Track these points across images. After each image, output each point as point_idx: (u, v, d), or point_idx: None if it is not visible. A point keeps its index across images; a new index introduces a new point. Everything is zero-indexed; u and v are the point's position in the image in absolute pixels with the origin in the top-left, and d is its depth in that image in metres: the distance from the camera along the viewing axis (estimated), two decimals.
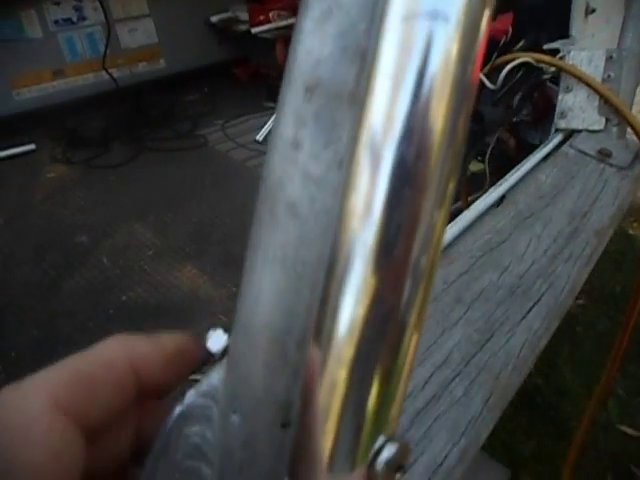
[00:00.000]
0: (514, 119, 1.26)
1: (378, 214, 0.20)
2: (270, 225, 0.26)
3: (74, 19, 2.20)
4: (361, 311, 0.21)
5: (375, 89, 0.20)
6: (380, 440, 0.21)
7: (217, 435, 0.28)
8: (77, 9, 2.20)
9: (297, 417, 0.22)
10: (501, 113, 0.88)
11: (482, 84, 0.89)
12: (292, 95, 0.24)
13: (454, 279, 0.53)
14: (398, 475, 0.21)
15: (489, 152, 0.83)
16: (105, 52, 2.20)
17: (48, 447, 0.18)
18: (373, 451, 0.21)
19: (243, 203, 1.66)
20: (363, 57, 0.22)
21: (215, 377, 0.29)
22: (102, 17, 2.20)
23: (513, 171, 0.72)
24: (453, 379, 0.43)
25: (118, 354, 0.23)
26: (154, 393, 0.25)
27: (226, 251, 1.52)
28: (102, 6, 2.18)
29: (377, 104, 0.20)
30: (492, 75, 0.89)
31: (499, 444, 1.87)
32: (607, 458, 1.90)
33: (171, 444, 0.30)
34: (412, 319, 0.22)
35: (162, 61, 2.38)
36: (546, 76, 0.93)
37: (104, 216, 1.72)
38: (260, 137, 1.95)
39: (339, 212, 0.21)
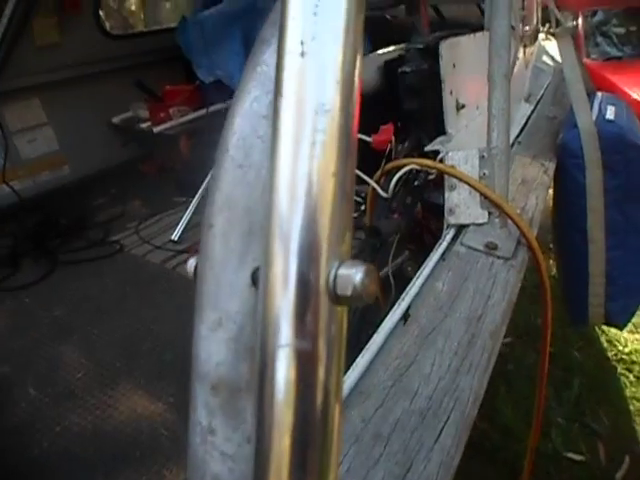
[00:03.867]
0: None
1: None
2: None
3: None
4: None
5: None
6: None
7: None
8: None
9: None
10: (395, 223, 0.96)
11: (376, 194, 0.97)
12: (201, 391, 0.28)
13: (371, 415, 0.57)
14: None
15: (390, 259, 0.89)
16: (4, 165, 2.15)
17: None
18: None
19: (167, 309, 1.65)
20: (252, 354, 0.26)
21: None
22: None
23: (413, 281, 0.78)
24: None
25: None
26: None
27: (158, 360, 1.49)
28: None
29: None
30: (383, 183, 0.97)
31: None
32: None
33: None
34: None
35: (66, 168, 2.36)
36: (431, 177, 1.02)
37: (24, 342, 1.65)
38: (176, 236, 1.96)
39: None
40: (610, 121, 1.31)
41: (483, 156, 0.90)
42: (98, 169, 2.40)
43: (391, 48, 1.93)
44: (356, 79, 0.24)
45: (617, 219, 1.29)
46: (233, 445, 0.26)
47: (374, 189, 0.97)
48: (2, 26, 1.97)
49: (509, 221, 0.88)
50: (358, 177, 1.03)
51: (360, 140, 1.01)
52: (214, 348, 0.26)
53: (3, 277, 1.88)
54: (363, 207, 1.16)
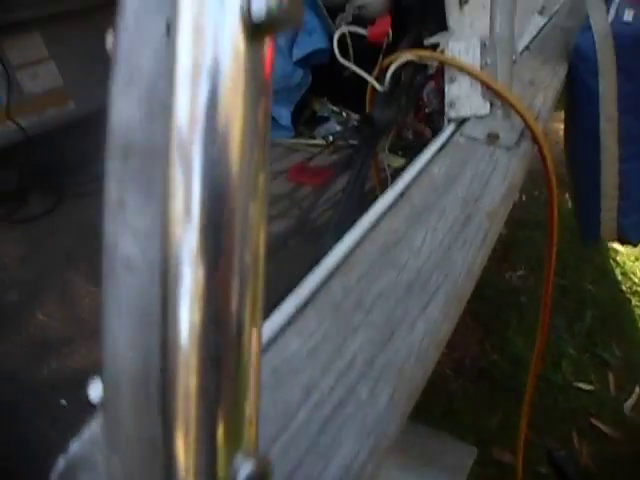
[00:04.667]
0: (427, 110, 1.30)
1: (196, 217, 0.22)
2: (112, 280, 0.27)
3: None
4: (198, 315, 0.22)
5: (176, 99, 0.22)
6: (238, 460, 0.23)
7: (104, 479, 0.28)
8: None
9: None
10: (391, 113, 0.92)
11: (373, 88, 0.92)
12: (112, 159, 0.25)
13: (353, 284, 0.55)
14: None
15: (387, 146, 0.86)
16: (8, 101, 2.13)
17: None
18: (233, 473, 0.22)
19: None
20: (166, 114, 0.23)
21: (96, 424, 0.30)
22: (0, 66, 2.14)
23: (408, 167, 0.75)
24: (358, 382, 0.45)
25: None
26: None
27: None
28: None
29: (180, 110, 0.22)
30: (381, 78, 0.93)
31: (466, 424, 1.91)
32: (569, 417, 1.98)
33: None
34: (247, 314, 0.23)
35: (71, 103, 2.33)
36: (431, 71, 0.97)
37: (33, 270, 1.67)
38: None
39: (163, 220, 0.23)
40: (628, 23, 1.23)
41: (485, 44, 0.85)
42: (103, 105, 2.35)
43: None
44: None
45: (632, 127, 1.23)
46: (145, 219, 0.24)
47: (372, 85, 0.92)
48: None
49: (513, 113, 0.83)
50: (356, 75, 0.99)
51: (357, 35, 0.96)
52: (125, 110, 0.24)
53: (11, 210, 1.89)
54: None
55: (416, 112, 1.28)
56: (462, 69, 0.84)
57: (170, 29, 0.22)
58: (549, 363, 2.18)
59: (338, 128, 2.01)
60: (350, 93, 1.80)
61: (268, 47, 0.22)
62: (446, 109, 0.88)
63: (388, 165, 1.31)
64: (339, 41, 1.02)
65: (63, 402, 1.30)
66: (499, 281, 2.42)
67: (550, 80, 1.09)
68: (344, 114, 2.02)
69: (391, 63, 0.89)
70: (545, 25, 1.52)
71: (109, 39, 0.28)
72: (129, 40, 0.24)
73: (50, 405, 1.29)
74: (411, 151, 1.74)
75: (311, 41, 1.94)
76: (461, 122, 0.88)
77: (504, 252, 2.52)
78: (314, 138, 2.02)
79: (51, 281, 1.64)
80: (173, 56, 0.22)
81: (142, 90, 0.24)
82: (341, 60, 0.95)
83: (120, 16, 0.24)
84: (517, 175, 0.76)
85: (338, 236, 0.63)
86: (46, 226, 1.84)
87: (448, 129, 0.86)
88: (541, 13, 1.58)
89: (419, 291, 0.54)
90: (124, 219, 0.25)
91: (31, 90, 2.24)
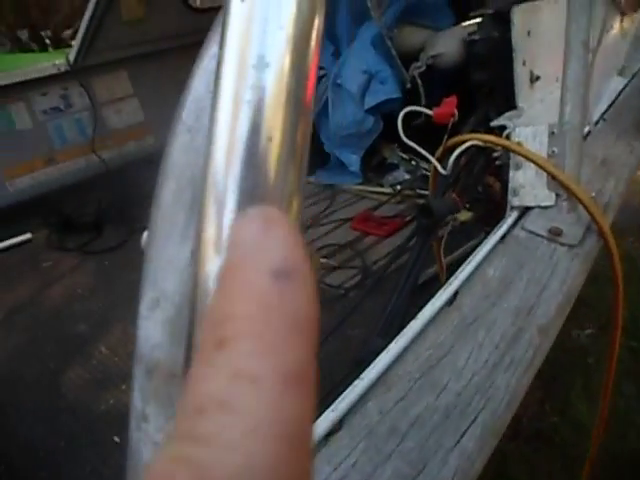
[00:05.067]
0: (497, 163, 1.27)
1: None
2: None
3: (61, 107, 2.27)
4: None
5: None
6: None
7: None
8: (64, 97, 2.27)
9: None
10: (450, 202, 0.90)
11: (435, 170, 0.91)
12: (138, 374, 0.26)
13: (390, 407, 0.53)
14: None
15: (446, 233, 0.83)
16: (93, 136, 2.27)
17: None
18: None
19: None
20: (188, 337, 0.24)
21: None
22: (88, 102, 2.28)
23: (463, 266, 0.73)
24: None
25: None
26: None
27: None
28: (87, 92, 2.26)
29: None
30: (445, 159, 0.91)
31: None
32: None
33: None
34: None
35: (150, 138, 2.45)
36: (496, 154, 0.95)
37: (101, 303, 1.74)
38: None
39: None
40: None
41: (553, 132, 0.82)
42: None
43: (478, 19, 1.82)
44: (314, 28, 0.20)
45: None
46: (164, 435, 0.24)
47: (436, 166, 0.91)
48: (92, 3, 2.05)
49: (579, 205, 0.80)
50: (418, 153, 0.98)
51: (422, 114, 0.95)
52: (151, 329, 0.25)
53: (88, 241, 2.00)
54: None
55: (486, 165, 1.26)
56: (527, 157, 0.82)
57: (194, 254, 0.23)
58: (615, 432, 2.04)
59: (406, 176, 1.99)
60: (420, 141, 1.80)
61: None
62: (509, 196, 0.85)
63: (455, 219, 1.28)
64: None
65: (116, 439, 1.34)
66: (565, 339, 2.30)
67: (625, 159, 1.04)
68: (413, 162, 2.00)
69: (455, 145, 0.88)
70: (625, 87, 1.46)
71: (144, 237, 0.29)
72: (156, 266, 0.25)
73: (104, 441, 1.33)
74: (479, 204, 1.70)
75: (383, 90, 1.95)
76: (524, 209, 0.85)
77: (572, 308, 2.39)
78: (382, 186, 2.02)
79: (117, 315, 1.71)
80: (192, 284, 0.22)
81: (167, 314, 0.25)
82: (405, 140, 0.94)
83: (149, 245, 0.25)
84: (577, 280, 0.73)
85: (387, 334, 0.62)
86: (117, 258, 1.92)
87: (510, 218, 0.83)
88: (621, 74, 1.52)
89: (456, 418, 0.52)
90: (147, 431, 0.26)
91: (114, 125, 2.38)
